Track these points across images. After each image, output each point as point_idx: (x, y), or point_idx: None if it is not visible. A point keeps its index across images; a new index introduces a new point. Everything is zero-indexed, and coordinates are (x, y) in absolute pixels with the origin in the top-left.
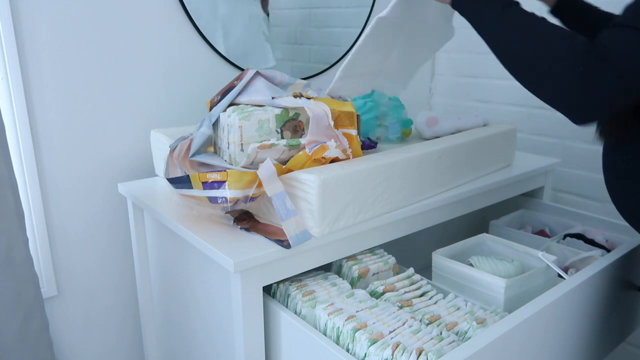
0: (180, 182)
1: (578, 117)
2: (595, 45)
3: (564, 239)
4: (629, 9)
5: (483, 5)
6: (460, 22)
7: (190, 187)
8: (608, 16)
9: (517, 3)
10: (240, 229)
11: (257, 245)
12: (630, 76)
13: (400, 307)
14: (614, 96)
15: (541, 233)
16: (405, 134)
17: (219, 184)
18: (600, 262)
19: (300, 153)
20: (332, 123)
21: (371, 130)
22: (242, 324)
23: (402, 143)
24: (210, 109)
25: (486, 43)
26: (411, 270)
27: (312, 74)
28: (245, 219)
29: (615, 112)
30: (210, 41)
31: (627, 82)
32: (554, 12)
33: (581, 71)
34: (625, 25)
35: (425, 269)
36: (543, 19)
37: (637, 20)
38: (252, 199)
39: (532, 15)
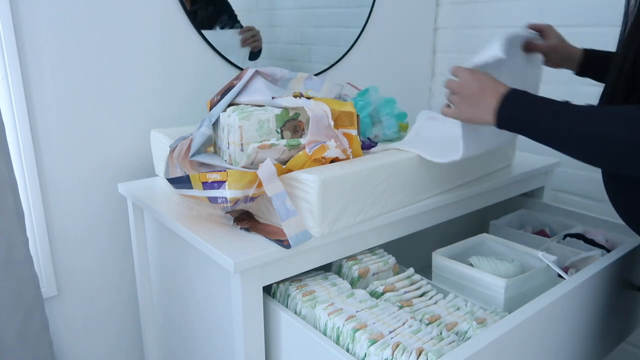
0: (180, 182)
1: None
2: None
3: (564, 239)
4: None
5: (535, 116)
6: (459, 22)
7: (190, 187)
8: None
9: (567, 102)
10: (240, 229)
11: (257, 245)
12: None
13: (400, 307)
14: None
15: (541, 233)
16: (402, 127)
17: (219, 184)
18: (600, 262)
19: (300, 153)
20: (332, 123)
21: (367, 129)
22: (242, 324)
23: (401, 139)
24: (210, 109)
25: (558, 150)
26: (411, 270)
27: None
28: (245, 219)
29: None
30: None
31: None
32: (579, 73)
33: None
34: None
35: (425, 269)
36: (593, 107)
37: None
38: (252, 199)
39: (585, 109)
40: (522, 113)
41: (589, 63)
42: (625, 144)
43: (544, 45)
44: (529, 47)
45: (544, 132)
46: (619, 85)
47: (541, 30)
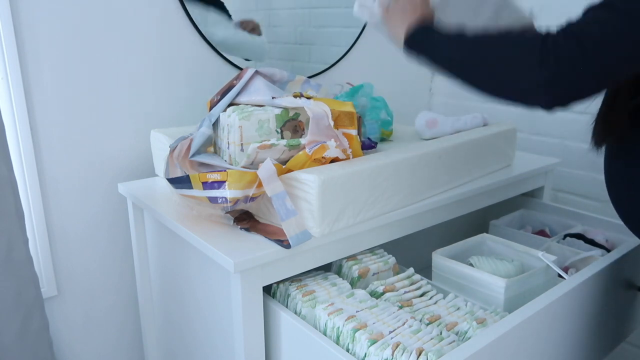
0: (180, 182)
1: (552, 101)
2: (555, 32)
3: (564, 239)
4: None
5: (435, 40)
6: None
7: (190, 187)
8: None
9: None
10: (240, 229)
11: (257, 245)
12: (587, 42)
13: (400, 307)
14: (581, 66)
15: (541, 233)
16: (385, 134)
17: (219, 184)
18: (600, 262)
19: (300, 153)
20: (332, 123)
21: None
22: (242, 324)
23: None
24: (210, 109)
25: (448, 75)
26: (411, 270)
27: (312, 74)
28: (245, 219)
29: (591, 92)
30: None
31: (587, 49)
32: None
33: (540, 55)
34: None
35: (425, 269)
36: (487, 30)
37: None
38: (252, 199)
39: (477, 32)
40: (422, 42)
41: None
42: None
43: None
44: None
45: (439, 59)
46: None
47: None
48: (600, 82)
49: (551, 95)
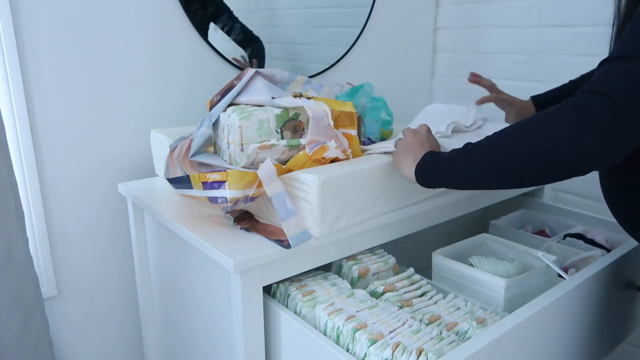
0: (180, 182)
1: (607, 159)
2: (577, 96)
3: (564, 239)
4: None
5: (447, 168)
6: (459, 22)
7: (190, 187)
8: (585, 77)
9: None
10: (240, 229)
11: (257, 245)
12: (617, 95)
13: (400, 307)
14: (622, 121)
15: (541, 233)
16: (385, 134)
17: (219, 184)
18: (600, 262)
19: (300, 153)
20: (332, 123)
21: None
22: (242, 324)
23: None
24: (210, 109)
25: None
26: (411, 270)
27: (312, 74)
28: (245, 219)
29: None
30: (210, 41)
31: (619, 102)
32: None
33: (575, 121)
34: (604, 61)
35: (425, 269)
36: (499, 131)
37: (616, 52)
38: (252, 199)
39: (487, 137)
40: (433, 167)
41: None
42: (517, 154)
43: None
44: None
45: (456, 179)
46: None
47: (500, 106)
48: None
49: (605, 151)
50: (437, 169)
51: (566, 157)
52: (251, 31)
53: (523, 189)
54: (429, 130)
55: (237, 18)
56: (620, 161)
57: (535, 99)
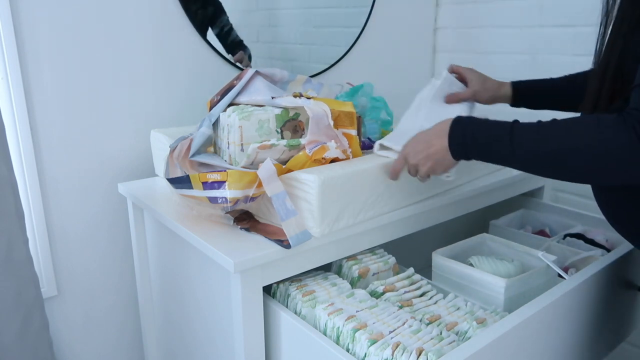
0: (180, 182)
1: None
2: (628, 113)
3: (564, 239)
4: None
5: (490, 144)
6: (459, 22)
7: (190, 187)
8: (571, 79)
9: (516, 121)
10: (240, 229)
11: (257, 245)
12: None
13: (400, 307)
14: None
15: (541, 233)
16: (385, 134)
17: (219, 184)
18: (600, 262)
19: (300, 153)
20: (332, 123)
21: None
22: (242, 324)
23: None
24: (210, 109)
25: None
26: (411, 270)
27: (312, 74)
28: (245, 219)
29: None
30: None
31: None
32: (513, 105)
33: (628, 142)
34: None
35: (425, 269)
36: (552, 121)
37: None
38: (252, 199)
39: (539, 124)
40: (471, 139)
41: (520, 95)
42: (593, 154)
43: (466, 94)
44: (451, 100)
45: (497, 154)
46: (604, 92)
47: (461, 75)
48: None
49: None
50: (475, 131)
51: (614, 169)
52: (241, 39)
53: (526, 190)
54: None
55: (231, 24)
56: None
57: (516, 84)
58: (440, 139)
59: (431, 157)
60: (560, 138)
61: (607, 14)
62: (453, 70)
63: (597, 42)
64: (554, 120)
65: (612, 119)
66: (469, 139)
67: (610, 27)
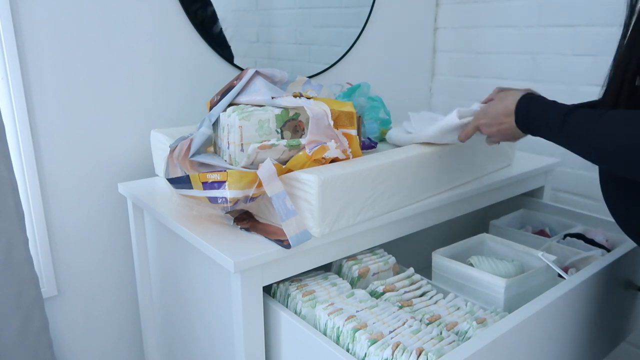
0: (180, 182)
1: None
2: None
3: (564, 239)
4: None
5: (550, 127)
6: (459, 22)
7: (190, 187)
8: None
9: (575, 109)
10: (240, 229)
11: (257, 245)
12: None
13: (400, 307)
14: None
15: (541, 233)
16: (384, 133)
17: (219, 184)
18: (600, 262)
19: (300, 153)
20: (332, 123)
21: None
22: (242, 324)
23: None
24: (210, 109)
25: (576, 153)
26: (411, 270)
27: (312, 74)
28: (245, 219)
29: None
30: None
31: None
32: None
33: None
34: None
35: (425, 269)
36: (605, 112)
37: None
38: (252, 199)
39: (596, 114)
40: (535, 113)
41: None
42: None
43: None
44: None
45: (556, 133)
46: (625, 87)
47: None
48: None
49: None
50: (539, 107)
51: None
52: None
53: (526, 190)
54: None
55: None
56: None
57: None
58: (509, 117)
59: (502, 132)
60: (617, 130)
61: (631, 9)
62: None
63: (621, 38)
64: (613, 112)
65: None
66: (533, 119)
67: (633, 23)
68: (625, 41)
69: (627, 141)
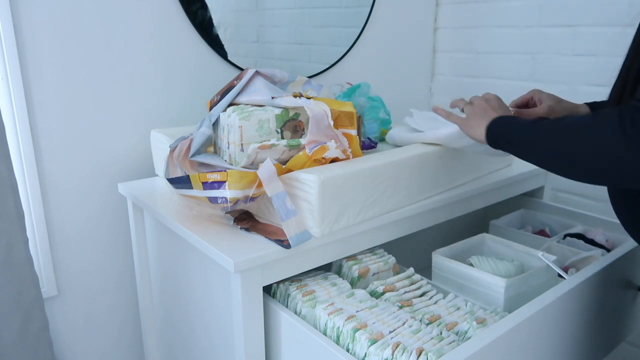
0: (180, 182)
1: (632, 180)
2: (627, 105)
3: (564, 238)
4: None
5: (516, 133)
6: (459, 22)
7: (190, 187)
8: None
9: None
10: (240, 229)
11: (257, 245)
12: None
13: (400, 307)
14: None
15: (541, 233)
16: (384, 134)
17: (219, 184)
18: (600, 262)
19: (300, 153)
20: (332, 123)
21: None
22: (242, 324)
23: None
24: (210, 109)
25: (535, 164)
26: (411, 270)
27: (312, 74)
28: (245, 219)
29: None
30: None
31: None
32: None
33: (624, 137)
34: None
35: (425, 269)
36: (567, 117)
37: None
38: (252, 199)
39: (559, 119)
40: (504, 131)
41: None
42: (593, 145)
43: (541, 110)
44: (525, 116)
45: (523, 147)
46: (627, 87)
47: (528, 100)
48: None
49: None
50: (505, 134)
51: (601, 165)
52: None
53: (526, 190)
54: (498, 97)
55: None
56: None
57: (592, 105)
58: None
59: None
60: (558, 140)
61: None
62: (515, 105)
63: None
64: (559, 120)
65: (607, 116)
66: (502, 130)
67: (638, 25)
68: (631, 43)
69: (554, 153)
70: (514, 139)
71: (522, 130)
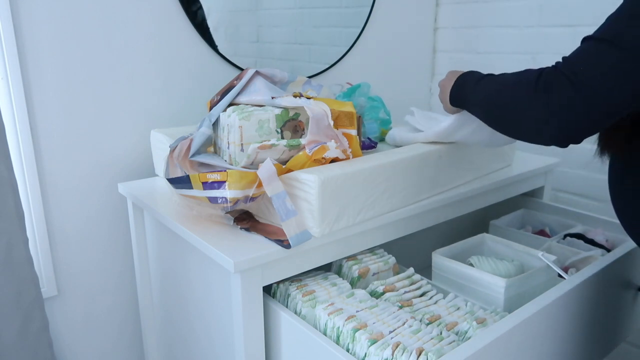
0: (180, 182)
1: (556, 139)
2: (550, 67)
3: (564, 238)
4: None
5: (466, 90)
6: (459, 22)
7: (190, 187)
8: None
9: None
10: (240, 229)
11: (257, 245)
12: (582, 80)
13: (400, 307)
14: (576, 106)
15: (541, 233)
16: (384, 134)
17: (219, 184)
18: (600, 262)
19: (300, 153)
20: (331, 123)
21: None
22: (242, 324)
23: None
24: (210, 109)
25: (478, 117)
26: (411, 270)
27: (312, 74)
28: (245, 219)
29: (593, 125)
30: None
31: (581, 87)
32: None
33: (534, 92)
34: (585, 39)
35: (425, 269)
36: (504, 74)
37: (599, 32)
38: (252, 199)
39: (501, 74)
40: (458, 91)
41: None
42: (512, 97)
43: None
44: None
45: (471, 102)
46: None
47: None
48: (597, 119)
49: (553, 130)
50: (459, 93)
51: (517, 122)
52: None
53: (526, 190)
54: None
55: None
56: (575, 143)
57: None
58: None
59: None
60: (491, 92)
61: None
62: None
63: None
64: (499, 75)
65: (530, 74)
66: (458, 88)
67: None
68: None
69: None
70: (465, 95)
71: (470, 87)
